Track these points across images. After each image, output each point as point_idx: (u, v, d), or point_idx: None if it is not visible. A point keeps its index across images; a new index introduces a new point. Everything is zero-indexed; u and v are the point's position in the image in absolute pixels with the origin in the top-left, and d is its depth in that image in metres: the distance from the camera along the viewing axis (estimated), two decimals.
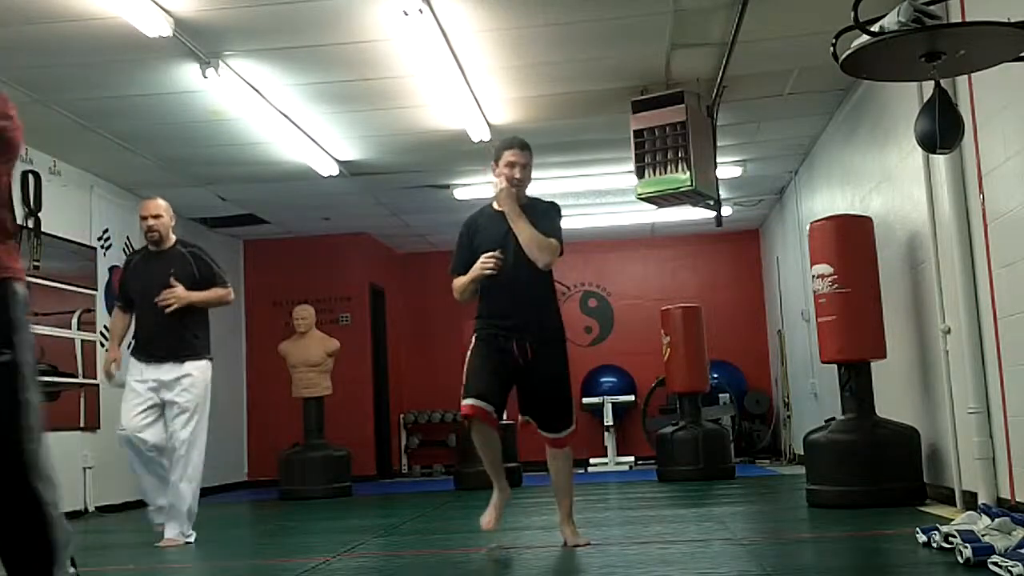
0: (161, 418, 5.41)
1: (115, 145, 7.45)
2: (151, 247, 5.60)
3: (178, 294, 5.39)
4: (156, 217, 5.53)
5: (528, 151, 4.63)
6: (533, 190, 9.78)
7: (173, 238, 5.62)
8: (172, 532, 5.40)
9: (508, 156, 4.56)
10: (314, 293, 10.73)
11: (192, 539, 5.43)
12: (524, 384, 4.46)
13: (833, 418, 5.91)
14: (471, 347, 4.50)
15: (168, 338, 5.41)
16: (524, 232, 4.41)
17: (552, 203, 4.71)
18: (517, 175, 4.54)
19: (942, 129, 3.58)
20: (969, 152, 4.85)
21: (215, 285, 5.58)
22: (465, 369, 4.45)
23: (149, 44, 5.48)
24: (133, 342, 5.59)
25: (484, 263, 4.42)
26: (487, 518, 4.51)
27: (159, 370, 5.40)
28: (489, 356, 4.42)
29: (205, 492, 6.21)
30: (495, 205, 4.60)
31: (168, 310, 5.37)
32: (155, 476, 5.45)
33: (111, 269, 8.45)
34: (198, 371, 5.45)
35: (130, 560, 5.29)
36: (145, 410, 5.36)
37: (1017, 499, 4.56)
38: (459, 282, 4.56)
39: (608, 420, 11.43)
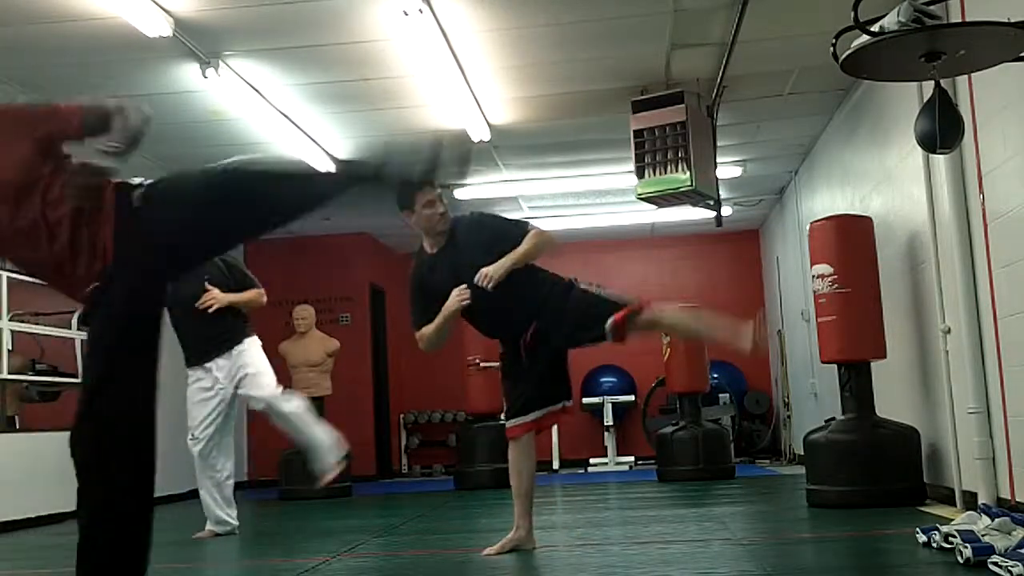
0: (228, 418, 5.76)
1: None
2: None
3: (216, 296, 5.69)
4: None
5: (433, 186, 4.26)
6: (534, 190, 9.70)
7: None
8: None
9: (423, 197, 4.22)
10: (314, 293, 10.73)
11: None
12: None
13: (833, 418, 5.91)
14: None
15: (212, 339, 5.73)
16: (518, 259, 4.24)
17: (475, 219, 4.49)
18: (441, 211, 4.29)
19: (942, 129, 3.58)
20: (969, 152, 4.84)
21: (247, 288, 5.88)
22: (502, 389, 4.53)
23: (149, 44, 5.48)
24: (183, 354, 5.82)
25: (461, 296, 4.21)
26: (491, 548, 4.34)
27: (215, 367, 5.72)
28: (511, 368, 4.43)
29: None
30: (426, 248, 4.40)
31: (211, 310, 5.66)
32: (210, 495, 5.71)
33: None
34: (248, 347, 5.79)
35: None
36: (213, 416, 5.68)
37: (1017, 499, 4.55)
38: (430, 328, 4.32)
39: (608, 420, 11.42)
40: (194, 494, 5.93)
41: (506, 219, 4.52)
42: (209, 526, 5.74)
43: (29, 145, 2.48)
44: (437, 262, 4.37)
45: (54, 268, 2.50)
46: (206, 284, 5.70)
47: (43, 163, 2.48)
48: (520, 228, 4.37)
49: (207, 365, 5.71)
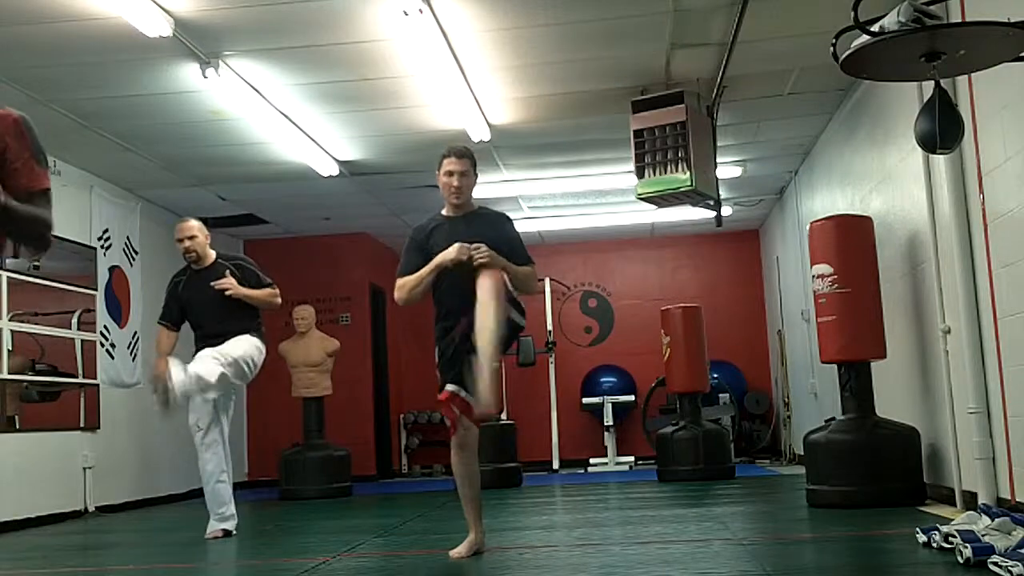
0: (223, 408, 5.77)
1: (115, 145, 7.45)
2: (193, 266, 5.84)
3: (233, 281, 5.69)
4: (191, 238, 5.79)
5: (467, 158, 4.46)
6: (534, 190, 9.73)
7: (212, 254, 5.87)
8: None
9: (446, 165, 4.44)
10: (314, 293, 10.72)
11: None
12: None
13: (833, 418, 5.91)
14: (437, 355, 4.46)
15: (222, 335, 5.66)
16: (511, 270, 4.29)
17: (505, 216, 4.57)
18: (455, 183, 4.41)
19: (942, 129, 3.58)
20: (969, 152, 4.85)
21: (263, 287, 5.89)
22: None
23: (149, 44, 5.48)
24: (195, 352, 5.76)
25: (460, 253, 4.20)
26: (457, 551, 4.34)
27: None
28: (450, 353, 4.39)
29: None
30: (444, 212, 4.52)
31: (227, 292, 5.64)
32: (212, 487, 5.71)
33: (111, 269, 8.45)
34: (241, 339, 5.67)
35: (130, 560, 5.29)
36: (213, 408, 5.69)
37: (1017, 499, 4.56)
38: (413, 276, 4.36)
39: (608, 420, 11.41)
40: (193, 494, 5.92)
41: (521, 241, 4.50)
42: (220, 525, 5.68)
43: None
44: (443, 228, 4.44)
45: None
46: (227, 273, 5.71)
47: None
48: (525, 256, 4.44)
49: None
